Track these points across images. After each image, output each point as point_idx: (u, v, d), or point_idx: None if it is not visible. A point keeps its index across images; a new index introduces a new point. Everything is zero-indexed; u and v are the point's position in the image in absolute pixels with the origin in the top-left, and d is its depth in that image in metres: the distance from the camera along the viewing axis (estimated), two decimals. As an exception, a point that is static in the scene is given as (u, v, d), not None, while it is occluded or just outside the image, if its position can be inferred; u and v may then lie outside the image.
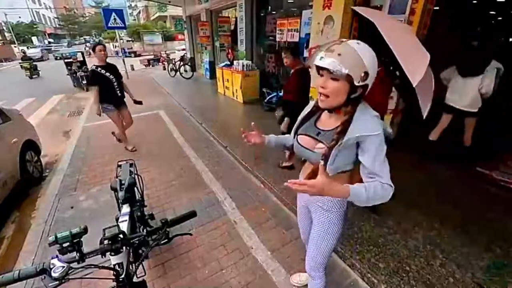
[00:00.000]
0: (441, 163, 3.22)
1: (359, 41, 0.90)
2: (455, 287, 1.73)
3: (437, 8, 3.01)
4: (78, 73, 9.11)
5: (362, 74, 0.88)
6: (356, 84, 0.89)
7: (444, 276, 1.82)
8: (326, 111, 1.08)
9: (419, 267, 1.89)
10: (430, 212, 2.42)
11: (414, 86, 1.08)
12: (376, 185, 0.93)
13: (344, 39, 0.92)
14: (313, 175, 1.02)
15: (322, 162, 0.92)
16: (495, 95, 2.89)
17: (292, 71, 2.98)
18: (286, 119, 3.06)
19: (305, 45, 4.89)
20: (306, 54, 4.80)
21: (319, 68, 0.94)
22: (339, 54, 0.86)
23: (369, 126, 0.93)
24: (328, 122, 1.08)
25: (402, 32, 1.49)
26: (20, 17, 36.43)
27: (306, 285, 1.78)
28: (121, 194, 1.58)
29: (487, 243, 2.08)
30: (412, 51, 1.24)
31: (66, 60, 9.64)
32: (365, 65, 0.87)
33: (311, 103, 1.22)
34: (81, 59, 9.74)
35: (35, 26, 38.27)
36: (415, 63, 1.12)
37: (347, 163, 1.02)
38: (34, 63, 13.51)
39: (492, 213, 2.42)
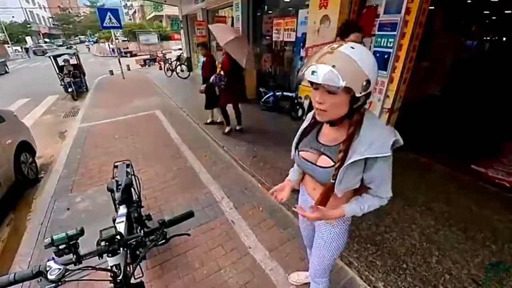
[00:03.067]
0: (436, 161, 3.25)
1: (353, 45, 0.79)
2: (451, 284, 1.76)
3: (433, 7, 3.04)
4: (65, 79, 7.88)
5: (364, 83, 0.77)
6: (358, 95, 0.79)
7: (440, 273, 1.84)
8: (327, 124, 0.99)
9: (416, 264, 1.91)
10: (426, 210, 2.44)
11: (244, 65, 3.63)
12: (374, 202, 0.98)
13: (335, 44, 0.80)
14: (324, 197, 0.98)
15: (331, 181, 0.93)
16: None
17: (206, 58, 4.58)
18: (203, 86, 4.45)
19: (301, 44, 4.90)
20: (302, 53, 4.81)
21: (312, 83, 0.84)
22: (333, 66, 0.74)
23: (380, 143, 0.84)
24: (331, 136, 0.98)
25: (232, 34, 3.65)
26: (13, 16, 35.90)
27: (305, 284, 1.79)
28: (117, 195, 1.57)
29: (483, 240, 2.10)
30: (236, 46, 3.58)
31: (61, 63, 8.48)
32: (365, 72, 0.76)
33: (309, 116, 1.11)
34: (75, 62, 8.71)
35: (29, 26, 37.76)
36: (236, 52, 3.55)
37: (356, 182, 0.94)
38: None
39: (487, 210, 2.45)
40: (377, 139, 0.85)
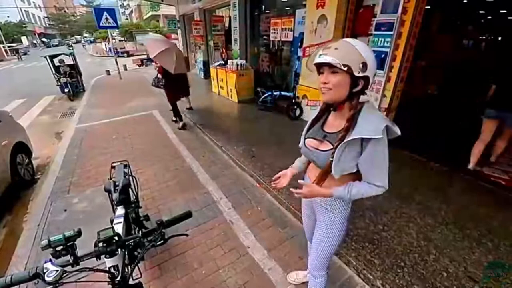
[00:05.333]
0: (434, 159, 3.27)
1: (353, 39, 0.94)
2: (448, 281, 1.77)
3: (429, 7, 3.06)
4: (61, 79, 7.75)
5: (361, 65, 0.89)
6: (356, 74, 0.90)
7: (437, 270, 1.85)
8: (332, 113, 1.09)
9: (414, 262, 1.92)
10: (423, 208, 2.46)
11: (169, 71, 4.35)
12: (365, 189, 1.01)
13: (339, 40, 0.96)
14: (321, 178, 1.08)
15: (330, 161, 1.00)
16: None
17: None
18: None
19: (299, 44, 4.91)
20: (300, 53, 4.82)
21: (319, 66, 0.97)
22: (336, 49, 0.89)
23: (373, 127, 0.92)
24: (334, 124, 1.08)
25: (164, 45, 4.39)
26: (8, 16, 35.55)
27: (303, 283, 1.80)
28: (115, 195, 1.57)
29: (479, 238, 2.12)
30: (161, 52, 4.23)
31: (57, 64, 8.19)
32: (362, 56, 0.89)
33: (319, 108, 1.21)
34: (71, 62, 8.46)
35: (24, 25, 37.41)
36: (164, 62, 4.33)
37: (352, 165, 1.00)
38: None
39: (483, 208, 2.47)
40: (372, 122, 0.93)
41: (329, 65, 0.92)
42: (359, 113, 0.97)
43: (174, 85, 4.78)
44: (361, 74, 0.90)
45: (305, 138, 1.18)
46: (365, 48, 0.91)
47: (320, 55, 0.92)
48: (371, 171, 0.99)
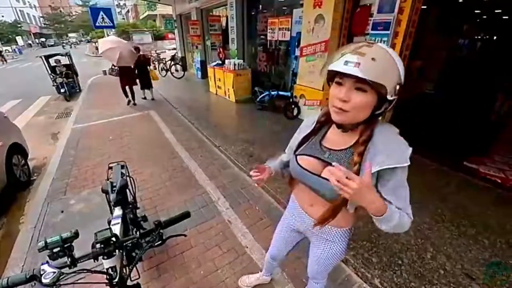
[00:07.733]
0: (430, 158, 3.30)
1: (386, 46, 0.73)
2: (445, 279, 1.78)
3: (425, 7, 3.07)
4: (57, 80, 7.59)
5: (397, 87, 0.69)
6: (389, 98, 0.70)
7: (435, 268, 1.87)
8: (335, 128, 0.86)
9: (411, 260, 1.93)
10: (420, 207, 2.47)
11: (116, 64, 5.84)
12: (404, 215, 0.80)
13: (371, 42, 0.72)
14: (331, 214, 0.86)
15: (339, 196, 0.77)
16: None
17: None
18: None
19: (296, 43, 4.91)
20: (297, 52, 4.82)
21: (339, 75, 0.73)
22: (373, 59, 0.65)
23: (398, 154, 0.75)
24: (338, 140, 0.87)
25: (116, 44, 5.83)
26: (3, 16, 35.22)
27: (256, 285, 1.79)
28: (112, 196, 1.56)
29: (476, 235, 2.14)
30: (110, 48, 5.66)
31: (53, 64, 8.07)
32: (400, 74, 0.70)
33: (312, 119, 0.98)
34: (68, 62, 8.29)
35: (19, 25, 37.07)
36: (109, 57, 5.72)
37: None
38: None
39: (479, 206, 2.49)
40: (396, 148, 0.76)
41: (356, 78, 0.68)
42: (373, 133, 0.79)
43: (122, 74, 6.21)
44: (393, 98, 0.71)
45: (296, 155, 0.94)
46: (400, 61, 0.70)
47: (347, 62, 0.67)
48: (406, 199, 0.82)
